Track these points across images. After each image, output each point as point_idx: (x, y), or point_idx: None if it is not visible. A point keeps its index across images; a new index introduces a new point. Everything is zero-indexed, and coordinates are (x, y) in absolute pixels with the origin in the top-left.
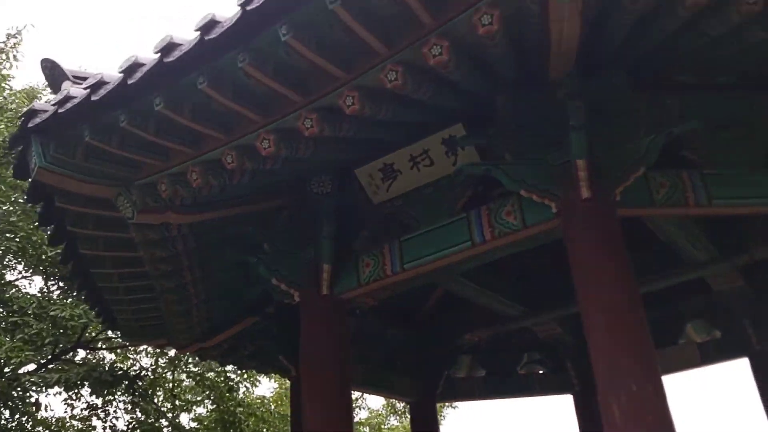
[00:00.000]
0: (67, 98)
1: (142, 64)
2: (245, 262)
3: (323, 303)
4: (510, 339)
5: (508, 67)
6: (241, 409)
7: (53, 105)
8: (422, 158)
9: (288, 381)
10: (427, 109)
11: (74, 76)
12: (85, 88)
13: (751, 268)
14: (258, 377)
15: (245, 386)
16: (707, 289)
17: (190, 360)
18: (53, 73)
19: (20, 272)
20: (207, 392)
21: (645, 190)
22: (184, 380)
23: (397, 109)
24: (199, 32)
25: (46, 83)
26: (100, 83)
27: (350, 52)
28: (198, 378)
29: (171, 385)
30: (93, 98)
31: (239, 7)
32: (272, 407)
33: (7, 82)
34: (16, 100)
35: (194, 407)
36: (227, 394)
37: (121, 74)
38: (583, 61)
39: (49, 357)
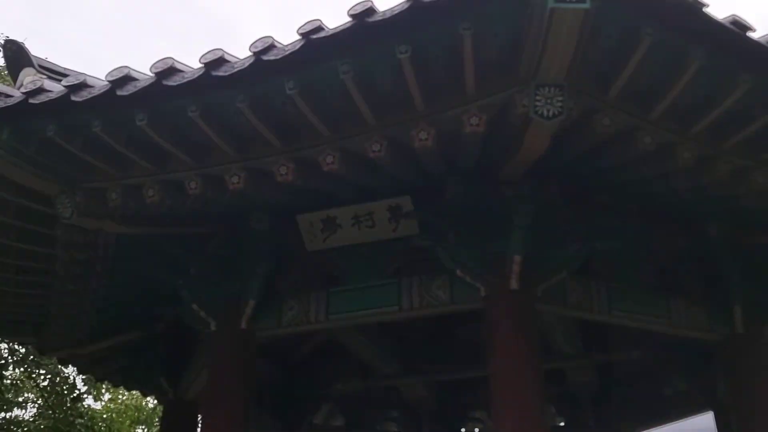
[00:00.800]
0: (41, 90)
1: (135, 79)
2: (161, 280)
3: (239, 337)
4: (373, 394)
5: (464, 162)
6: (82, 421)
7: (23, 93)
8: (366, 219)
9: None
10: (382, 177)
11: (41, 66)
12: (65, 86)
13: (606, 366)
14: (102, 390)
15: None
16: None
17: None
18: (16, 56)
19: None
20: (42, 395)
21: (561, 292)
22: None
23: (360, 173)
24: (204, 66)
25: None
26: (83, 85)
27: (337, 115)
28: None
29: None
30: (73, 98)
31: (253, 55)
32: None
33: None
34: None
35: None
36: (69, 404)
37: (110, 83)
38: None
39: None
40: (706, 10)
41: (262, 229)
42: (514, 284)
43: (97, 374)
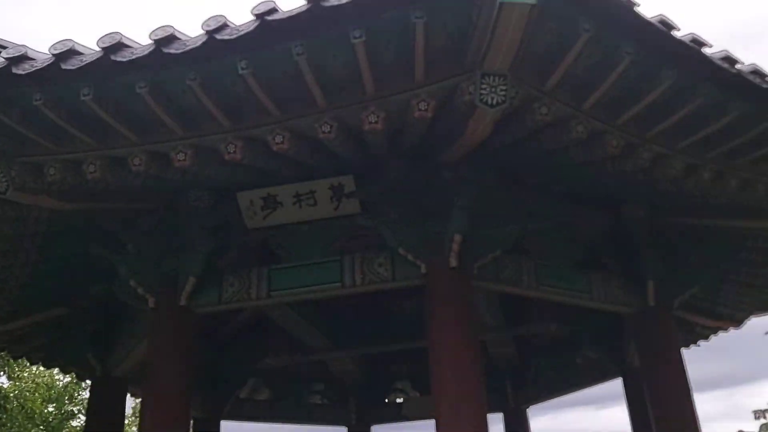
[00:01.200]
0: None
1: (80, 53)
2: (93, 256)
3: (179, 314)
4: (299, 369)
5: (409, 145)
6: None
7: None
8: (307, 197)
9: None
10: (328, 157)
11: None
12: (5, 58)
13: (523, 337)
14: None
15: None
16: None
17: None
18: None
19: None
20: None
21: (495, 269)
22: None
23: (308, 153)
24: (154, 43)
25: None
26: (24, 57)
27: (289, 96)
28: None
29: None
30: (14, 71)
31: (206, 33)
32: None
33: None
34: None
35: None
36: None
37: (53, 56)
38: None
39: None
40: (637, 9)
41: (201, 206)
42: (453, 262)
43: (16, 352)
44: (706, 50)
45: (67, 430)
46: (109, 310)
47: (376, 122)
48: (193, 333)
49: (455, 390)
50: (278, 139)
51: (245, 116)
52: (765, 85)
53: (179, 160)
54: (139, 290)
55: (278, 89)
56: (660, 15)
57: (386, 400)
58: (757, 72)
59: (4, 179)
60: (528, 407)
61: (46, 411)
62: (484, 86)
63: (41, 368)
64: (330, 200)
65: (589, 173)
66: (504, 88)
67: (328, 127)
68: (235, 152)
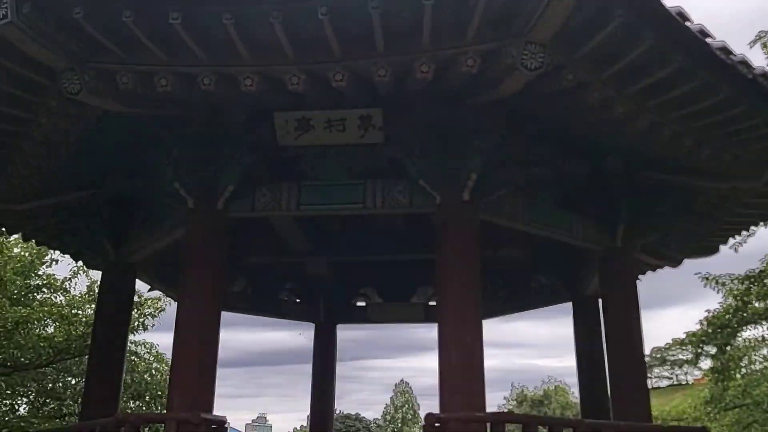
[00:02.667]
0: None
1: None
2: (128, 154)
3: (214, 216)
4: (276, 268)
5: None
6: None
7: None
8: (338, 124)
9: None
10: (363, 92)
11: None
12: None
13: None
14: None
15: None
16: None
17: None
18: None
19: None
20: None
21: (498, 205)
22: None
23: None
24: None
25: None
26: None
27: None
28: None
29: None
30: None
31: None
32: None
33: None
34: None
35: None
36: None
37: None
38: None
39: None
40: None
41: (239, 121)
42: (466, 196)
43: (28, 233)
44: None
45: (34, 303)
46: (124, 203)
47: (426, 72)
48: (226, 234)
49: (459, 293)
50: (338, 77)
51: (311, 54)
52: (728, 62)
53: (246, 86)
54: (181, 192)
55: (347, 33)
56: (678, 7)
57: (352, 303)
58: (723, 49)
59: (77, 82)
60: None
61: (14, 283)
62: (525, 53)
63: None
64: (358, 128)
65: (579, 124)
66: (542, 55)
67: (384, 71)
68: (298, 84)
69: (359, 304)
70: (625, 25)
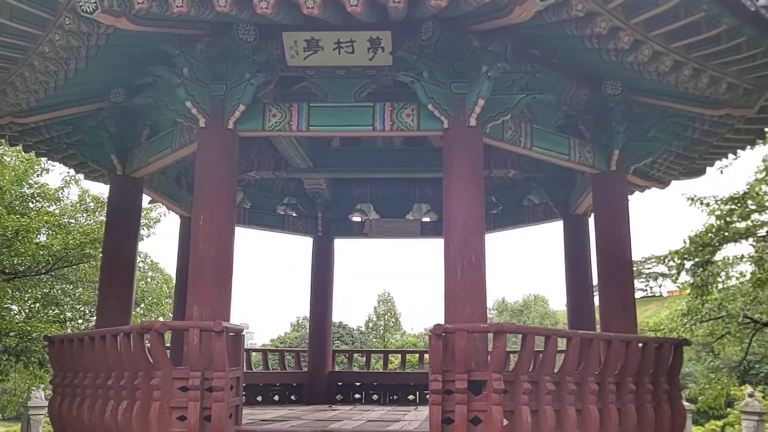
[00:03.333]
0: None
1: None
2: (132, 71)
3: (225, 135)
4: (275, 183)
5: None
6: None
7: None
8: (347, 45)
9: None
10: (374, 14)
11: None
12: None
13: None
14: None
15: None
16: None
17: None
18: None
19: None
20: None
21: (501, 130)
22: None
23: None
24: None
25: None
26: None
27: None
28: None
29: None
30: None
31: None
32: None
33: None
34: None
35: None
36: None
37: None
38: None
39: None
40: None
41: (249, 40)
42: (472, 122)
43: (31, 145)
44: None
45: (30, 212)
46: (129, 119)
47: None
48: (236, 152)
49: (464, 213)
50: (353, 1)
51: None
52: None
53: (262, 8)
54: (193, 111)
55: None
56: None
57: (350, 219)
58: None
59: (93, 2)
60: None
61: (10, 192)
62: None
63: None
64: (367, 51)
65: (580, 49)
66: None
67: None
68: (313, 7)
69: (356, 219)
70: None
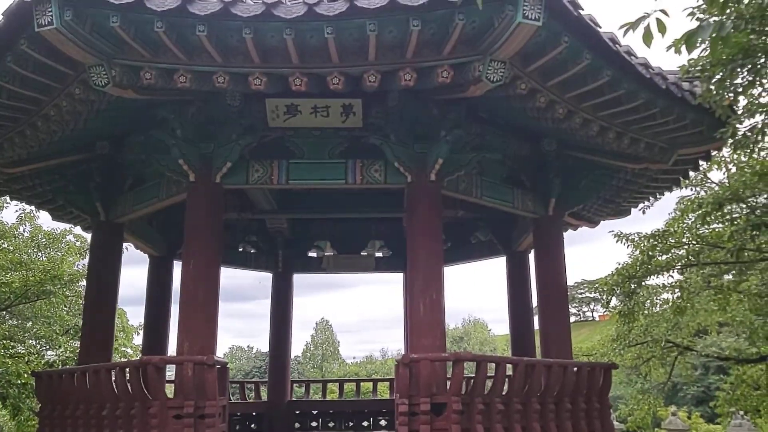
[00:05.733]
0: None
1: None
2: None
3: (214, 189)
4: (237, 222)
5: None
6: None
7: None
8: (322, 110)
9: None
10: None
11: None
12: None
13: None
14: None
15: None
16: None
17: None
18: None
19: None
20: None
21: (456, 183)
22: None
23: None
24: (264, 5)
25: None
26: None
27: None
28: None
29: None
30: (147, 5)
31: (305, 4)
32: None
33: None
34: None
35: None
36: None
37: (182, 1)
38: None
39: None
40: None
41: (235, 105)
42: (432, 177)
43: (14, 193)
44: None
45: None
46: (114, 170)
47: (409, 80)
48: (223, 202)
49: (426, 257)
50: (335, 80)
51: (311, 59)
52: (647, 75)
53: (255, 84)
54: (185, 167)
55: (345, 46)
56: (611, 32)
57: (308, 255)
58: (645, 65)
59: (105, 76)
60: None
61: None
62: (490, 68)
63: None
64: (340, 115)
65: (521, 115)
66: (503, 71)
67: (374, 77)
68: (300, 85)
69: (314, 255)
70: (569, 47)
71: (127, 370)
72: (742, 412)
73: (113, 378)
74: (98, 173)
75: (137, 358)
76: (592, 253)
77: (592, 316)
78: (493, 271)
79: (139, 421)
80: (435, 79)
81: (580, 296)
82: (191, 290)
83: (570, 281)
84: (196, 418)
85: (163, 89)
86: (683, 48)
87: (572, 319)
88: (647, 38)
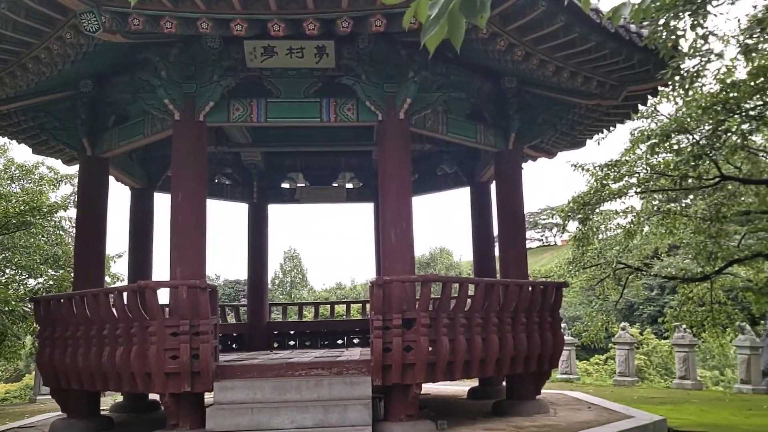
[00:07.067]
0: None
1: None
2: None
3: (198, 126)
4: (215, 155)
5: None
6: None
7: None
8: (297, 51)
9: None
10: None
11: None
12: None
13: None
14: None
15: None
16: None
17: None
18: None
19: None
20: None
21: (423, 120)
22: None
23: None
24: None
25: None
26: None
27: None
28: None
29: None
30: None
31: None
32: None
33: None
34: None
35: None
36: None
37: None
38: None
39: None
40: None
41: (215, 47)
42: (401, 115)
43: (13, 134)
44: None
45: None
46: (99, 107)
47: (380, 26)
48: (206, 139)
49: (396, 189)
50: (311, 26)
51: (288, 5)
52: (597, 20)
53: (237, 30)
54: (170, 106)
55: None
56: None
57: (282, 186)
58: (595, 9)
59: (96, 22)
60: None
61: None
62: None
63: None
64: (314, 56)
65: (483, 55)
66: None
67: (347, 23)
68: (279, 30)
69: (288, 186)
70: None
71: (126, 293)
72: (684, 326)
73: (111, 301)
74: (83, 110)
75: (135, 283)
76: (555, 180)
77: (555, 242)
78: (457, 203)
79: (139, 338)
80: (369, 28)
81: (543, 222)
82: (181, 221)
83: (534, 207)
84: (191, 335)
85: (149, 33)
86: None
87: (535, 244)
88: None
